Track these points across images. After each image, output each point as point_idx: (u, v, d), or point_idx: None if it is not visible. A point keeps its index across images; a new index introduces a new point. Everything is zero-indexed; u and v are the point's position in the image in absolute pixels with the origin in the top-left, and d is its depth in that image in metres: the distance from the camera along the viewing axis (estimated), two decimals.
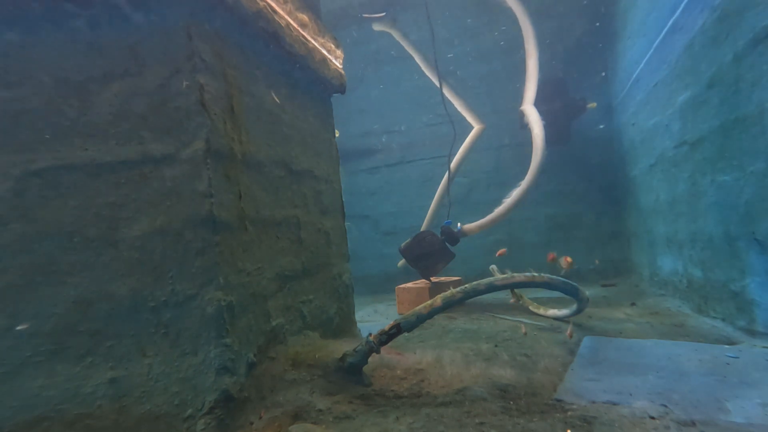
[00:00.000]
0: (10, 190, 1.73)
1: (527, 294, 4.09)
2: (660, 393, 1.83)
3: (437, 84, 5.34)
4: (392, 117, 6.76)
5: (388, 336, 2.10)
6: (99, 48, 1.77)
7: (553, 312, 3.45)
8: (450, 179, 5.41)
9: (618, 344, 2.59)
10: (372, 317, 4.51)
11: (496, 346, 2.65)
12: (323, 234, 2.85)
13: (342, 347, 2.23)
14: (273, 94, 2.39)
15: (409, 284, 4.66)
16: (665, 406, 1.69)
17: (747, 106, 2.44)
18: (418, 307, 2.20)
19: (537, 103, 5.06)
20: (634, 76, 4.49)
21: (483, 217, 4.65)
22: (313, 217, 2.74)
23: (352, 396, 1.92)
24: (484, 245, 6.02)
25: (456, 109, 5.67)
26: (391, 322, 2.14)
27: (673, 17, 3.33)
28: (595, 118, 5.64)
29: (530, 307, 3.71)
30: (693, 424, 1.55)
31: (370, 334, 2.11)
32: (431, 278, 4.66)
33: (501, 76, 6.09)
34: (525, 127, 5.01)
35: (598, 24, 5.53)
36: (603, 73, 5.67)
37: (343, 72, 3.14)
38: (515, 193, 4.52)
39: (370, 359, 2.08)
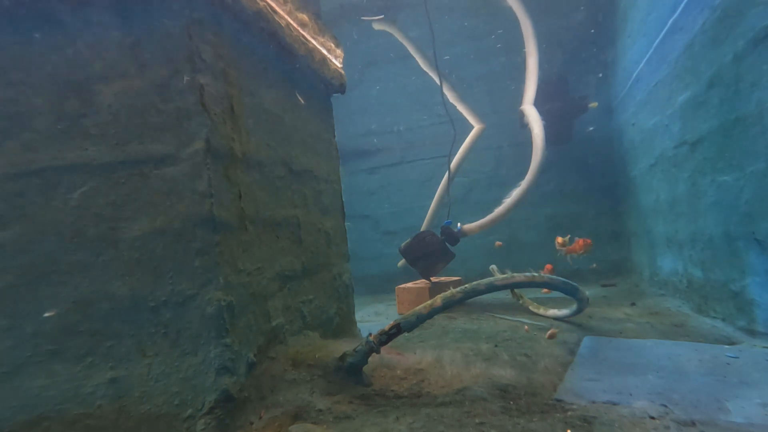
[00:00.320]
0: (10, 190, 1.73)
1: (527, 294, 4.09)
2: (660, 393, 1.83)
3: (438, 83, 5.35)
4: (392, 117, 6.76)
5: (388, 336, 2.10)
6: (99, 48, 1.77)
7: (553, 312, 3.45)
8: (450, 179, 5.41)
9: (618, 344, 2.59)
10: (372, 317, 4.51)
11: (496, 346, 2.65)
12: (323, 234, 2.85)
13: (342, 347, 2.23)
14: (273, 94, 2.39)
15: (409, 284, 4.66)
16: (665, 406, 1.69)
17: (747, 106, 2.44)
18: (418, 307, 2.20)
19: (538, 103, 5.06)
20: (634, 76, 4.49)
21: (483, 216, 4.65)
22: (313, 217, 2.74)
23: (352, 396, 1.92)
24: (484, 245, 6.02)
25: (456, 109, 5.67)
26: (391, 322, 2.14)
27: (673, 17, 3.33)
28: (595, 118, 5.64)
29: (530, 307, 3.71)
30: (693, 424, 1.55)
31: (370, 334, 2.11)
32: (431, 278, 4.65)
33: (501, 75, 6.09)
34: (525, 127, 5.01)
35: (597, 25, 5.53)
36: (600, 74, 5.67)
37: (343, 72, 3.14)
38: (515, 193, 4.52)
39: (370, 359, 2.08)
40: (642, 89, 4.29)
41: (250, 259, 1.98)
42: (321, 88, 3.00)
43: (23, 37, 1.77)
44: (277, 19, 2.29)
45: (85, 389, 1.68)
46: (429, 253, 4.54)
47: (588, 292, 3.11)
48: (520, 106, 5.16)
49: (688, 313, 3.31)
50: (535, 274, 2.67)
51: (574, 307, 3.13)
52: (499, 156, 6.21)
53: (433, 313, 2.18)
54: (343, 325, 2.97)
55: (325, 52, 2.89)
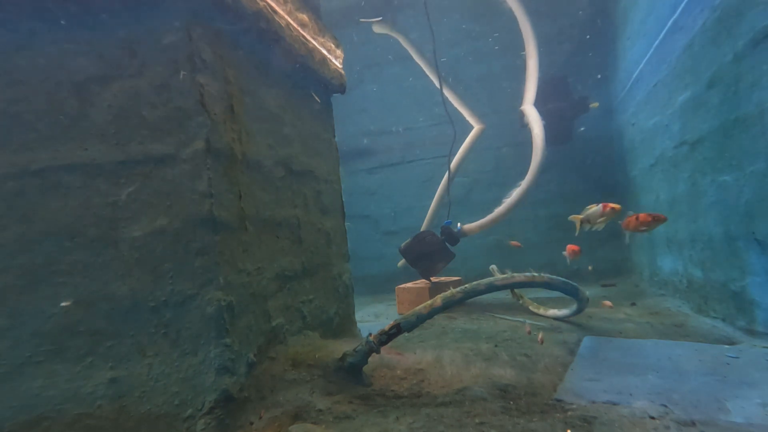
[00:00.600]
0: (10, 190, 1.73)
1: (527, 294, 4.09)
2: (660, 393, 1.83)
3: (437, 84, 5.35)
4: (392, 117, 6.76)
5: (388, 336, 2.10)
6: (99, 48, 1.77)
7: (553, 312, 3.45)
8: (450, 179, 5.41)
9: (618, 344, 2.59)
10: (372, 318, 4.51)
11: (496, 346, 2.65)
12: (323, 234, 2.85)
13: (342, 347, 2.23)
14: (273, 94, 2.39)
15: (409, 284, 4.66)
16: (665, 406, 1.69)
17: (747, 106, 2.44)
18: (418, 307, 2.20)
19: (540, 103, 5.06)
20: (634, 76, 4.50)
21: (483, 216, 4.65)
22: (313, 217, 2.74)
23: (352, 396, 1.92)
24: (484, 245, 6.02)
25: (456, 109, 5.67)
26: (391, 322, 2.14)
27: (673, 17, 3.33)
28: (595, 119, 5.64)
29: (530, 307, 3.71)
30: (693, 424, 1.55)
31: (370, 334, 2.11)
32: (431, 278, 4.65)
33: (501, 76, 6.09)
34: (525, 127, 5.00)
35: (597, 25, 5.53)
36: (599, 75, 5.67)
37: (343, 72, 3.14)
38: (515, 193, 4.52)
39: (370, 359, 2.08)
40: (642, 89, 4.29)
41: (250, 259, 1.98)
42: (321, 88, 3.00)
43: (23, 37, 1.77)
44: (277, 19, 2.29)
45: (85, 389, 1.68)
46: (429, 253, 4.54)
47: (588, 292, 3.11)
48: (520, 106, 5.16)
49: (688, 313, 3.31)
50: (535, 274, 2.67)
51: (574, 307, 3.14)
52: (499, 156, 6.21)
53: (433, 313, 2.18)
54: (343, 325, 2.96)
55: (325, 52, 2.89)
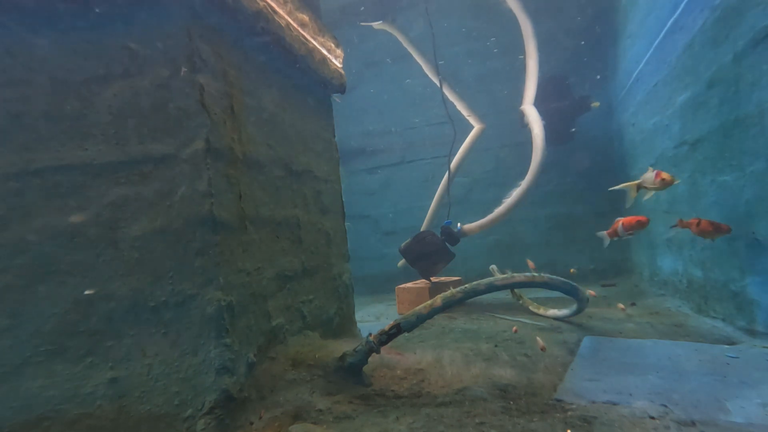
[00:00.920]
0: (10, 190, 1.73)
1: (527, 294, 4.09)
2: (660, 393, 1.83)
3: (437, 84, 5.35)
4: (392, 117, 6.76)
5: (388, 336, 2.10)
6: (99, 48, 1.77)
7: (553, 312, 3.45)
8: (450, 179, 5.41)
9: (618, 344, 2.59)
10: (372, 318, 4.51)
11: (496, 346, 2.65)
12: (323, 234, 2.85)
13: (342, 347, 2.23)
14: (273, 94, 2.39)
15: (409, 284, 4.66)
16: (665, 406, 1.69)
17: (747, 106, 2.44)
18: (418, 307, 2.20)
19: (541, 102, 5.06)
20: (634, 76, 4.49)
21: (483, 216, 4.65)
22: (313, 217, 2.74)
23: (352, 396, 1.92)
24: (484, 245, 6.02)
25: (456, 109, 5.67)
26: (391, 322, 2.14)
27: (673, 17, 3.33)
28: (594, 119, 5.64)
29: (530, 307, 3.71)
30: (693, 424, 1.55)
31: (370, 334, 2.11)
32: (431, 278, 4.65)
33: (501, 76, 6.09)
34: (525, 127, 5.01)
35: (597, 25, 5.53)
36: (598, 76, 5.67)
37: (343, 72, 3.14)
38: (515, 193, 4.52)
39: (370, 359, 2.08)
40: (642, 89, 4.29)
41: (250, 259, 1.98)
42: (321, 88, 3.00)
43: (23, 36, 1.77)
44: (277, 19, 2.29)
45: (85, 389, 1.68)
46: (429, 253, 4.54)
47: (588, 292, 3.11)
48: (520, 106, 5.16)
49: (688, 313, 3.31)
50: (535, 274, 2.67)
51: (574, 307, 3.13)
52: (499, 156, 6.21)
53: (433, 313, 2.18)
54: (343, 325, 2.96)
55: (325, 52, 2.89)
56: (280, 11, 2.37)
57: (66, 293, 1.71)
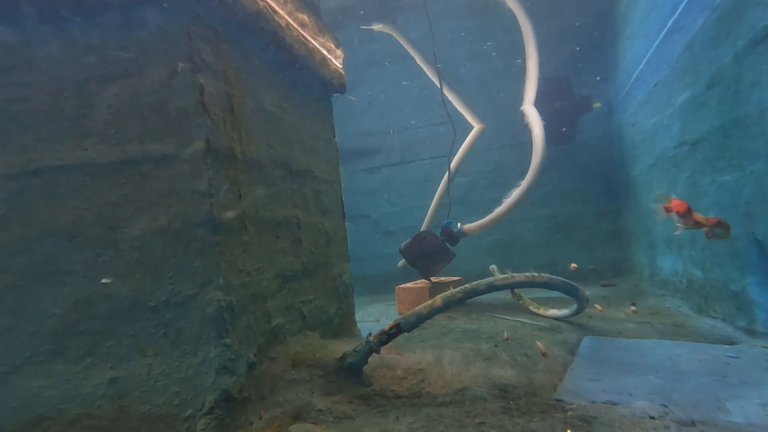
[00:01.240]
0: (10, 190, 1.73)
1: (527, 294, 4.09)
2: (660, 393, 1.83)
3: (437, 84, 5.34)
4: (392, 117, 6.76)
5: (388, 336, 2.10)
6: (99, 48, 1.77)
7: (553, 312, 3.45)
8: (450, 179, 5.41)
9: (618, 344, 2.59)
10: (372, 318, 4.51)
11: (496, 346, 2.65)
12: (323, 234, 2.85)
13: (342, 347, 2.23)
14: (273, 94, 2.39)
15: (409, 284, 4.66)
16: (665, 406, 1.69)
17: (747, 106, 2.44)
18: (418, 307, 2.20)
19: (542, 102, 5.05)
20: (634, 76, 4.49)
21: (483, 216, 4.65)
22: (313, 217, 2.74)
23: (352, 396, 1.92)
24: (484, 245, 6.02)
25: (456, 109, 5.67)
26: (391, 322, 2.14)
27: (673, 17, 3.33)
28: (593, 119, 5.64)
29: (530, 307, 3.71)
30: (693, 424, 1.55)
31: (370, 334, 2.11)
32: (431, 278, 4.65)
33: (501, 76, 6.09)
34: (526, 127, 5.00)
35: (597, 25, 5.53)
36: (598, 77, 5.67)
37: (343, 72, 3.14)
38: (515, 193, 4.52)
39: (370, 359, 2.08)
40: (642, 89, 4.29)
41: (250, 259, 1.98)
42: (321, 88, 3.00)
43: (23, 36, 1.77)
44: (277, 19, 2.29)
45: (85, 389, 1.68)
46: (429, 253, 4.54)
47: (588, 292, 3.11)
48: (520, 106, 5.16)
49: (688, 313, 3.31)
50: (535, 274, 2.67)
51: (574, 307, 3.13)
52: (499, 156, 6.21)
53: (433, 313, 2.18)
54: (343, 325, 2.97)
55: (325, 52, 2.89)
56: (280, 11, 2.37)
57: (66, 293, 1.71)
